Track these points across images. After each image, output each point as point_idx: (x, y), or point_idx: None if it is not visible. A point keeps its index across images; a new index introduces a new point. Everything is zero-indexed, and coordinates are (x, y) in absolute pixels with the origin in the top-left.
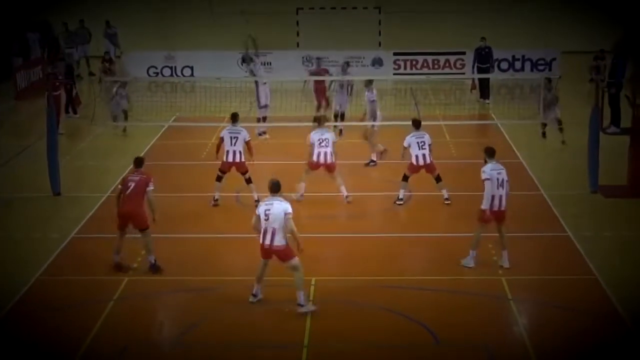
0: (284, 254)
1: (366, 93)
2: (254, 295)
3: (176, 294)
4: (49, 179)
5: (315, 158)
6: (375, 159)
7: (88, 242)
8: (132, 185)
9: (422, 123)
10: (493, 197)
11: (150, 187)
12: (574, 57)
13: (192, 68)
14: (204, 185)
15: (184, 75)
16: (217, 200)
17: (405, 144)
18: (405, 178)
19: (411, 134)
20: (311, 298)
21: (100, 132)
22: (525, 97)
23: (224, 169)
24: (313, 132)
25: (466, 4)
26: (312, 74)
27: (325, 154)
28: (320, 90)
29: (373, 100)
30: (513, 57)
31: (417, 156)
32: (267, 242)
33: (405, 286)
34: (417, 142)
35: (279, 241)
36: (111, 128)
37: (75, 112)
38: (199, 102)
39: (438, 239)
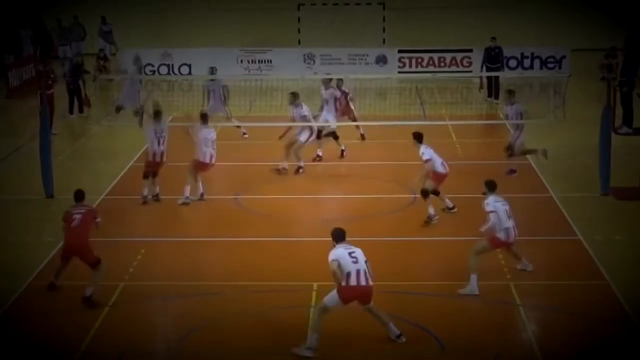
0: (371, 294)
1: (293, 108)
2: (310, 349)
3: (173, 300)
4: (41, 180)
5: (205, 159)
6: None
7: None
8: (78, 217)
9: (427, 123)
10: (507, 229)
11: (98, 219)
12: (584, 55)
13: (189, 66)
14: (202, 187)
15: (181, 74)
16: (146, 197)
17: (427, 156)
18: (427, 193)
19: (424, 146)
20: (313, 304)
21: (95, 131)
22: (535, 97)
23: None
24: (201, 129)
25: (473, 0)
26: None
27: (212, 155)
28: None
29: (304, 116)
30: (522, 54)
31: (443, 164)
32: (363, 282)
33: (410, 291)
34: (434, 152)
35: (369, 281)
36: (106, 128)
37: (71, 113)
38: (196, 102)
39: (443, 243)
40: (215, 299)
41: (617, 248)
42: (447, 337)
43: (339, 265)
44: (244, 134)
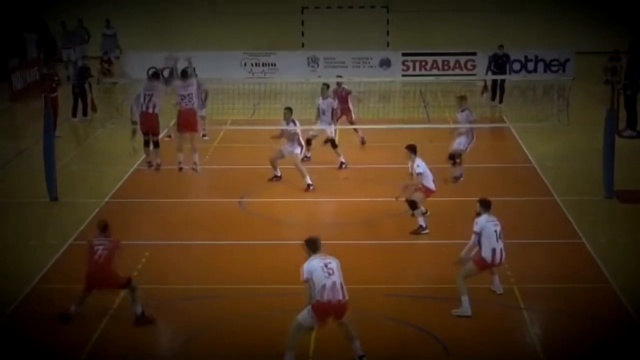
0: (346, 309)
1: (286, 125)
2: None
3: (177, 303)
4: (45, 183)
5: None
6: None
7: (87, 249)
8: (100, 249)
9: (431, 126)
10: (494, 250)
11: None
12: (588, 58)
13: (193, 69)
14: (205, 189)
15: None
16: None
17: (420, 170)
18: (416, 205)
19: (419, 159)
20: None
21: (98, 134)
22: (538, 100)
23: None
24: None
25: (477, 3)
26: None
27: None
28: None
29: (295, 133)
30: (526, 57)
31: (434, 181)
32: (340, 297)
33: (413, 295)
34: (427, 167)
35: (346, 294)
36: (110, 131)
37: (74, 116)
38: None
39: (446, 246)
40: (220, 302)
41: (620, 251)
42: (450, 340)
43: (312, 281)
44: (204, 135)
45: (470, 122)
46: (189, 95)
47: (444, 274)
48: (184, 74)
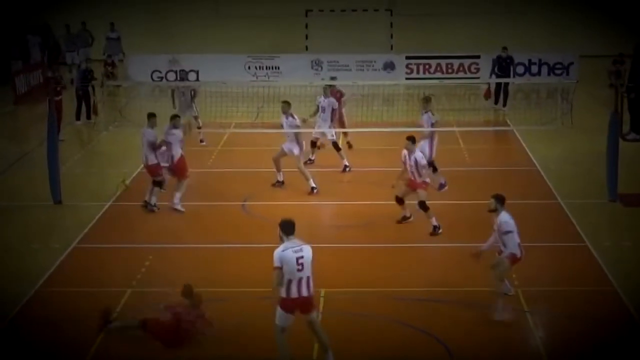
0: (314, 304)
1: (285, 119)
2: None
3: None
4: (49, 186)
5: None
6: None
7: (90, 252)
8: (185, 322)
9: (435, 129)
10: (519, 244)
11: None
12: (592, 61)
13: (197, 72)
14: (209, 193)
15: (188, 80)
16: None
17: (425, 162)
18: (426, 206)
19: (419, 151)
20: (321, 310)
21: (102, 137)
22: (542, 103)
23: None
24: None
25: (481, 6)
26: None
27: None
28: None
29: (298, 126)
30: (529, 61)
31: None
32: (305, 292)
33: (417, 298)
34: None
35: (311, 289)
36: (113, 134)
37: (78, 119)
38: (203, 108)
39: (450, 249)
40: (223, 305)
41: (625, 254)
42: (454, 344)
43: (282, 271)
44: (201, 140)
45: (432, 125)
46: (169, 144)
47: (446, 276)
48: (175, 122)
